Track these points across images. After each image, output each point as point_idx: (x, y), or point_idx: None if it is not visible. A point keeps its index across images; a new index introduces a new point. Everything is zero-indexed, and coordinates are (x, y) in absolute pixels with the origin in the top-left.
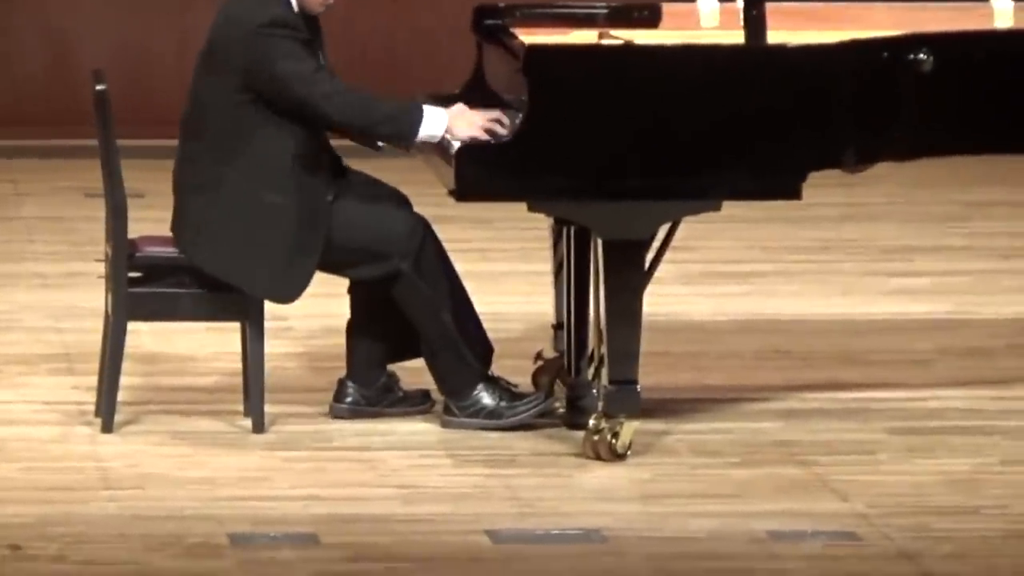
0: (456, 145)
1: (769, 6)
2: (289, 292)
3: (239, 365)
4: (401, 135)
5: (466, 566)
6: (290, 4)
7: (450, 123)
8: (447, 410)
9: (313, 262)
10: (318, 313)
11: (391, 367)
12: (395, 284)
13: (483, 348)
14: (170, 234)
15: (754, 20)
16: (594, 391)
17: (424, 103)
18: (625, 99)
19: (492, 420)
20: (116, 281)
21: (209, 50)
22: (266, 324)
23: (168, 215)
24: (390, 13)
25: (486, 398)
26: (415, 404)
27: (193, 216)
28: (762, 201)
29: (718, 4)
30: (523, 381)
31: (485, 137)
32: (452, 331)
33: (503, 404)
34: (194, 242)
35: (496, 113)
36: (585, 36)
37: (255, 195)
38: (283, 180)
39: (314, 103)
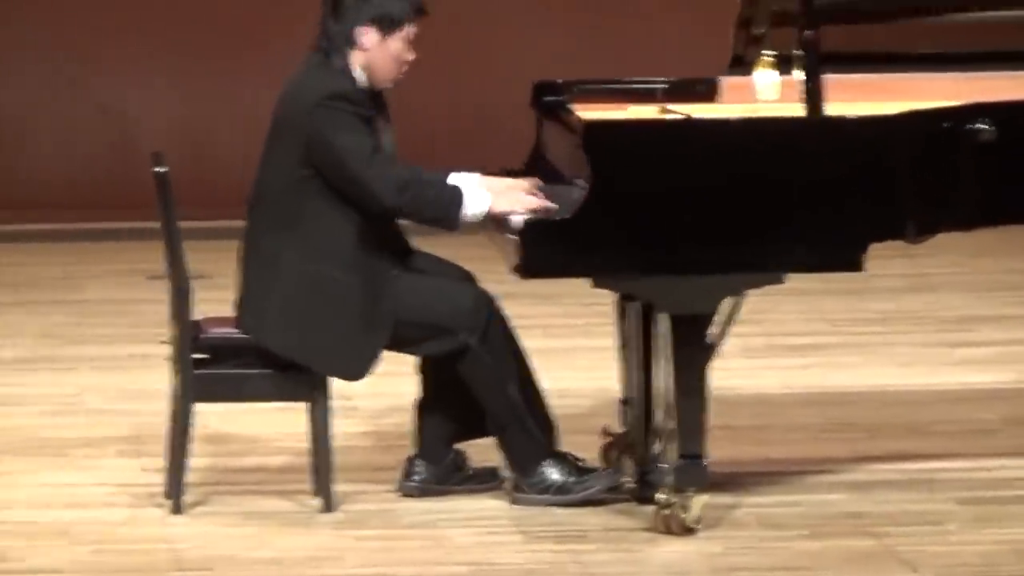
0: (518, 222)
1: (828, 78)
2: (358, 369)
3: (306, 444)
4: (445, 220)
5: None
6: (355, 79)
7: (493, 203)
8: (515, 487)
9: (382, 338)
10: (384, 392)
11: (459, 445)
12: (462, 360)
13: (549, 424)
14: (234, 315)
15: (813, 92)
16: (662, 466)
17: (474, 181)
18: (686, 173)
19: (561, 496)
20: (182, 363)
21: (274, 124)
22: (333, 403)
23: (231, 295)
24: (452, 88)
25: (554, 474)
26: (483, 481)
27: (256, 295)
28: (824, 273)
29: (777, 77)
30: (591, 457)
31: (528, 215)
32: (520, 406)
33: (571, 479)
34: (258, 322)
35: (532, 182)
36: (644, 111)
37: (318, 272)
38: (346, 257)
39: (366, 183)
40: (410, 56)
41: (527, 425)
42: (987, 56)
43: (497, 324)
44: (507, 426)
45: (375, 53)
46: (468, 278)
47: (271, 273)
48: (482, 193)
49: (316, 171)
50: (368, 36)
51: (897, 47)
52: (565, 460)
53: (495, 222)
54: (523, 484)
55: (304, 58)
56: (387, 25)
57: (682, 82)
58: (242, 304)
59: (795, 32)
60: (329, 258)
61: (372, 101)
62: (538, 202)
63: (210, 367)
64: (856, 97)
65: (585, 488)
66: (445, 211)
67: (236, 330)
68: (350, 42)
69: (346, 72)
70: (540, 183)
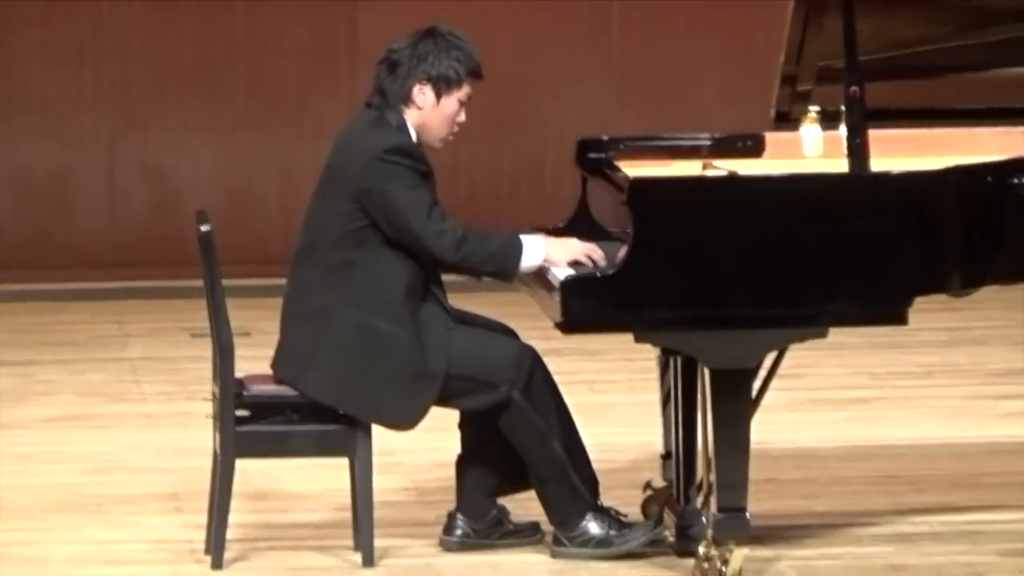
0: (560, 277)
1: (873, 133)
2: (409, 418)
3: (348, 500)
4: (504, 272)
5: None
6: (410, 135)
7: (547, 251)
8: (556, 540)
9: (433, 389)
10: (426, 447)
11: (501, 500)
12: (505, 413)
13: (591, 479)
14: (271, 366)
15: (857, 148)
16: (703, 519)
17: (527, 235)
18: (730, 229)
19: (601, 549)
20: (224, 420)
21: (326, 176)
22: (374, 459)
23: (271, 352)
24: (495, 145)
25: (595, 528)
26: (525, 536)
27: (302, 345)
28: (868, 327)
29: (821, 132)
30: (632, 511)
31: (583, 260)
32: (562, 460)
33: (612, 533)
34: (303, 371)
35: (590, 245)
36: (689, 167)
37: (369, 322)
38: (397, 308)
39: (427, 239)
40: (462, 118)
41: (570, 479)
42: None
43: (540, 377)
44: (549, 480)
45: (429, 112)
46: (511, 332)
47: (319, 323)
48: (538, 242)
49: (370, 222)
50: (424, 95)
51: (942, 102)
52: (607, 515)
53: (536, 275)
54: (564, 538)
55: (358, 113)
56: (443, 85)
57: (727, 138)
58: (283, 353)
59: (840, 88)
60: (380, 309)
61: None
62: (590, 248)
63: (252, 424)
64: (901, 152)
65: (626, 541)
66: (503, 264)
67: (278, 387)
68: (405, 100)
69: (402, 128)
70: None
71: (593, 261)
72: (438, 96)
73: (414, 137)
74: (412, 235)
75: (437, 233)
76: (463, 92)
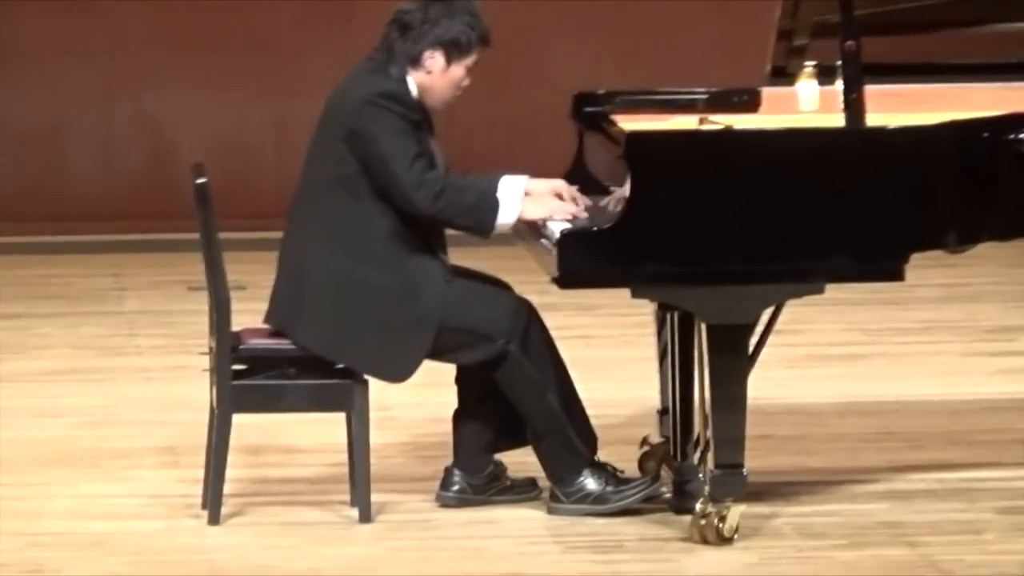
0: (557, 232)
1: (868, 89)
2: (402, 370)
3: (344, 455)
4: (480, 229)
5: None
6: (408, 86)
7: (522, 210)
8: (553, 497)
9: (426, 341)
10: (423, 402)
11: (498, 456)
12: (501, 366)
13: (589, 434)
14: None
15: (854, 103)
16: (700, 475)
17: (509, 184)
18: (727, 184)
19: (598, 505)
20: (220, 374)
21: (320, 123)
22: (371, 414)
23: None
24: (490, 100)
25: (592, 483)
26: (522, 492)
27: (294, 295)
28: (865, 283)
29: (817, 87)
30: (629, 467)
31: (558, 217)
32: (559, 414)
33: (609, 489)
34: (294, 319)
35: (570, 192)
36: (685, 122)
37: (360, 272)
38: (389, 258)
39: (405, 188)
40: (466, 83)
41: (567, 434)
42: None
43: (536, 331)
44: (545, 435)
45: (436, 77)
46: (506, 286)
47: (311, 272)
48: (515, 202)
49: (360, 169)
50: (434, 60)
51: (938, 57)
52: (604, 470)
53: (532, 229)
54: (560, 494)
55: (358, 63)
56: (455, 52)
57: (723, 93)
58: (276, 303)
59: (836, 43)
60: (371, 259)
61: (421, 111)
62: (569, 207)
63: (249, 378)
64: (897, 107)
65: (623, 498)
66: (479, 219)
67: (275, 341)
68: (415, 62)
69: (402, 80)
70: (576, 192)
71: (573, 211)
72: (448, 62)
73: (414, 92)
74: (391, 182)
75: (416, 184)
76: (471, 59)
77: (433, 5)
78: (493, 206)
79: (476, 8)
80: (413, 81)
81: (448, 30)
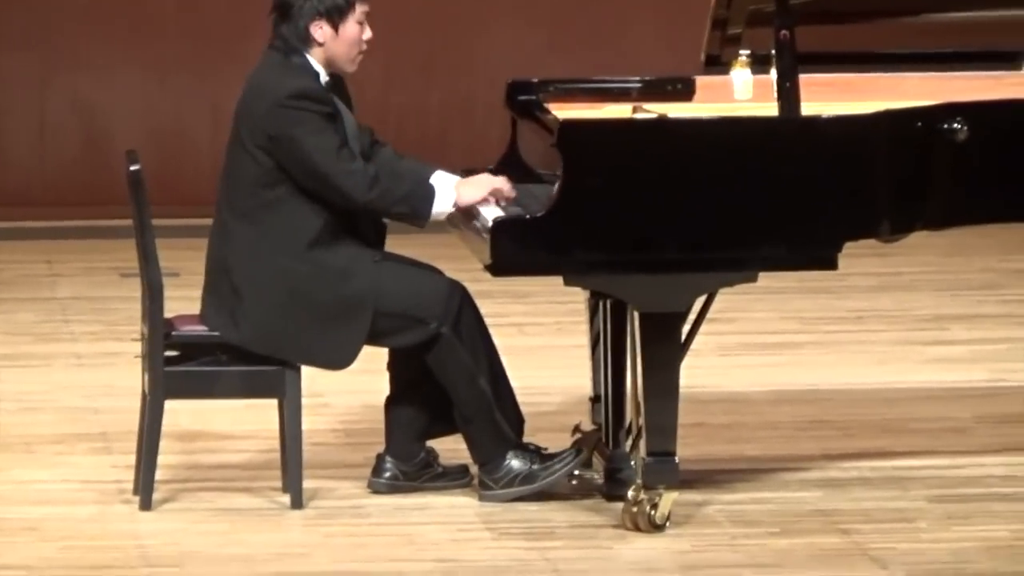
0: (489, 220)
1: (803, 78)
2: (342, 357)
3: (277, 442)
4: (416, 215)
5: None
6: (317, 74)
7: (458, 193)
8: (482, 483)
9: (363, 324)
10: (355, 389)
11: (430, 443)
12: (434, 348)
13: (516, 418)
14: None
15: (788, 92)
16: (632, 463)
17: (441, 176)
18: (660, 172)
19: (527, 485)
20: (153, 360)
21: (236, 121)
22: (304, 400)
23: (200, 293)
24: (424, 87)
25: (517, 464)
26: (454, 479)
27: (227, 295)
28: (798, 271)
29: (751, 76)
30: None
31: (493, 196)
32: (488, 398)
33: (536, 467)
34: (230, 320)
35: (500, 179)
36: (619, 110)
37: (287, 266)
38: (314, 249)
39: (336, 180)
40: (367, 35)
41: (494, 418)
42: (961, 56)
43: (469, 314)
44: (473, 418)
45: (331, 45)
46: (437, 271)
47: (241, 269)
48: (450, 189)
49: (279, 167)
50: (321, 30)
51: (871, 47)
52: (526, 450)
53: (465, 217)
54: (488, 480)
55: (261, 57)
56: (337, 15)
57: (657, 81)
58: (210, 304)
59: (770, 31)
60: (300, 251)
61: (334, 90)
62: (501, 183)
63: (181, 364)
64: (831, 96)
65: (551, 473)
66: (415, 207)
67: (204, 325)
68: (305, 41)
69: (306, 68)
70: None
71: (505, 195)
72: (335, 28)
73: (322, 75)
74: (321, 178)
75: (346, 174)
76: (359, 13)
77: None
78: (428, 193)
79: None
80: (314, 59)
81: None
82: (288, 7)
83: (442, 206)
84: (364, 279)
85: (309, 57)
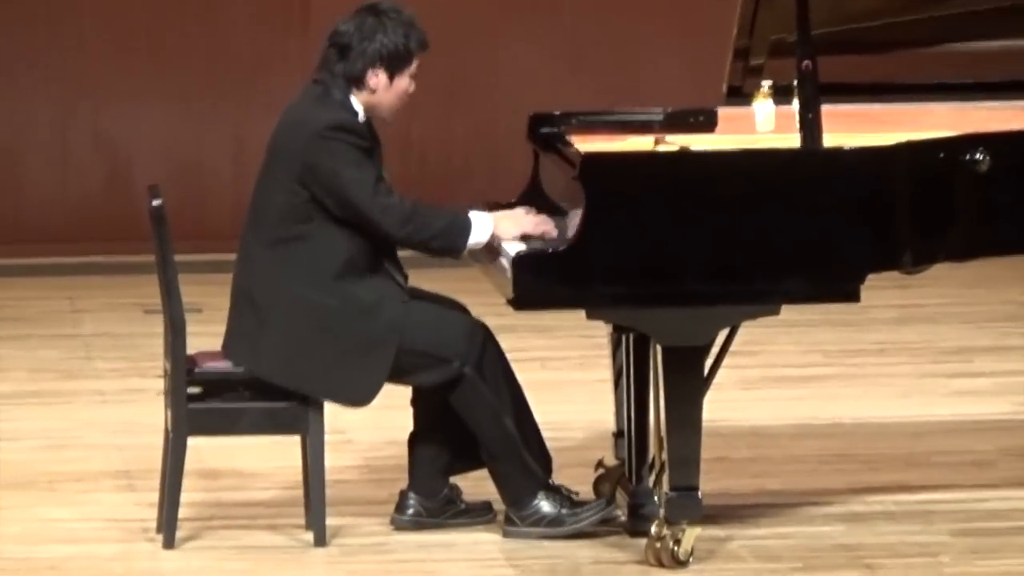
0: (511, 254)
1: (825, 109)
2: (364, 394)
3: (300, 478)
4: (452, 248)
5: None
6: (356, 111)
7: (495, 225)
8: (508, 520)
9: (386, 363)
10: (378, 425)
11: (453, 479)
12: (457, 389)
13: (544, 457)
14: (223, 346)
15: (810, 123)
16: (655, 498)
17: (475, 211)
18: (682, 205)
19: (553, 528)
20: (176, 397)
21: (270, 152)
22: (327, 437)
23: (223, 329)
24: (447, 120)
25: (547, 506)
26: (477, 515)
27: (251, 326)
28: (820, 304)
29: (774, 108)
30: (584, 489)
31: (533, 233)
32: (514, 437)
33: (564, 511)
34: (254, 353)
35: (541, 216)
36: (641, 142)
37: (314, 299)
38: (345, 284)
39: (373, 215)
40: (412, 89)
41: (522, 457)
42: (983, 86)
43: (492, 353)
44: (500, 458)
45: (382, 94)
46: (462, 308)
47: (267, 301)
48: (485, 218)
49: (312, 198)
50: (378, 79)
51: (893, 78)
52: (559, 493)
53: (488, 251)
54: (515, 517)
55: (302, 89)
56: (396, 66)
57: (679, 113)
58: (233, 335)
59: (793, 62)
60: (327, 285)
61: (369, 133)
62: (540, 220)
63: (204, 401)
64: (853, 128)
65: (578, 520)
66: (452, 240)
67: (228, 362)
68: (358, 83)
69: (346, 105)
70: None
71: (543, 234)
72: (391, 77)
73: (360, 114)
74: (358, 211)
75: (383, 208)
76: (414, 66)
77: (367, 21)
78: (464, 226)
79: (409, 16)
80: (358, 101)
81: (385, 44)
82: (348, 48)
83: (478, 237)
84: (390, 318)
85: (352, 97)
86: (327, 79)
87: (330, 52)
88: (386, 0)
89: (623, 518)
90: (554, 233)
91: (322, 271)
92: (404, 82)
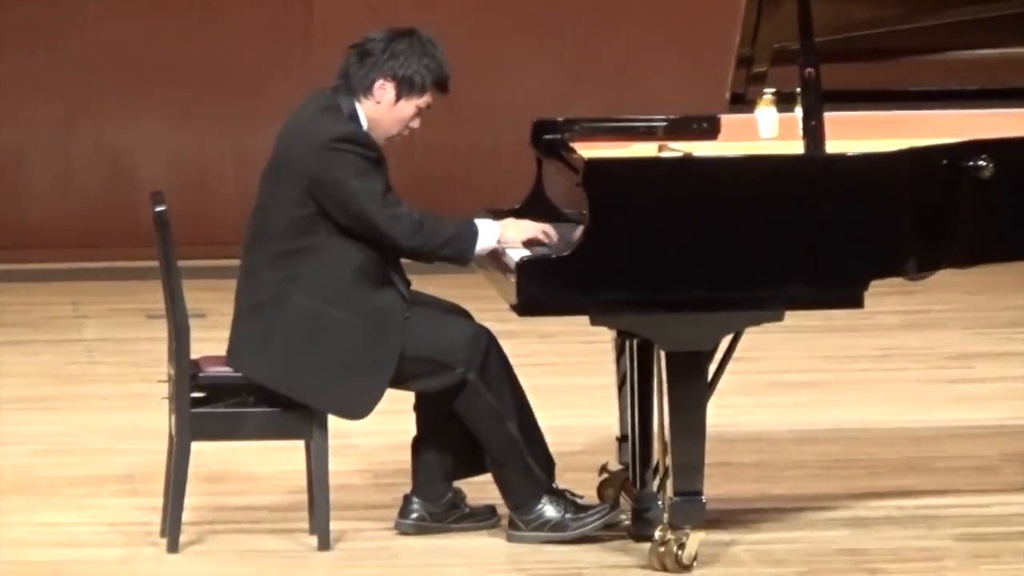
0: (515, 260)
1: (828, 115)
2: (362, 409)
3: (303, 482)
4: (461, 256)
5: None
6: (359, 119)
7: (501, 232)
8: (512, 524)
9: (385, 378)
10: (382, 430)
11: (457, 483)
12: (460, 394)
13: (547, 461)
14: (226, 353)
15: (813, 130)
16: (659, 503)
17: (481, 218)
18: (685, 211)
19: (557, 532)
20: (179, 402)
21: (275, 162)
22: (330, 441)
23: (227, 334)
24: (449, 128)
25: (551, 510)
26: (481, 520)
27: (254, 334)
28: (824, 310)
29: (777, 114)
30: (588, 494)
31: (540, 238)
32: (518, 442)
33: (568, 516)
34: (256, 361)
35: (545, 225)
36: (645, 149)
37: (321, 311)
38: (348, 295)
39: (382, 226)
40: (415, 124)
41: (526, 462)
42: (986, 93)
43: (495, 358)
44: (504, 462)
45: (384, 110)
46: (466, 314)
47: (271, 311)
48: (492, 225)
49: (318, 210)
50: (384, 91)
51: (896, 84)
52: (562, 497)
53: (492, 257)
54: (519, 521)
55: (309, 96)
56: (407, 88)
57: (682, 120)
58: (236, 343)
59: (795, 70)
60: (332, 296)
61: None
62: (545, 228)
63: (207, 406)
64: (856, 134)
65: (582, 525)
66: (460, 248)
67: (231, 366)
68: (366, 90)
69: (353, 115)
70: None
71: (548, 241)
72: (398, 97)
73: (364, 126)
74: (367, 222)
75: (392, 219)
76: (423, 100)
77: (401, 40)
78: (472, 233)
79: (441, 54)
80: (363, 112)
81: (405, 66)
82: (369, 55)
83: (485, 243)
84: (393, 334)
85: (359, 106)
86: (339, 83)
87: (352, 54)
88: (426, 31)
89: (627, 522)
90: (557, 240)
91: (326, 282)
92: (409, 110)
